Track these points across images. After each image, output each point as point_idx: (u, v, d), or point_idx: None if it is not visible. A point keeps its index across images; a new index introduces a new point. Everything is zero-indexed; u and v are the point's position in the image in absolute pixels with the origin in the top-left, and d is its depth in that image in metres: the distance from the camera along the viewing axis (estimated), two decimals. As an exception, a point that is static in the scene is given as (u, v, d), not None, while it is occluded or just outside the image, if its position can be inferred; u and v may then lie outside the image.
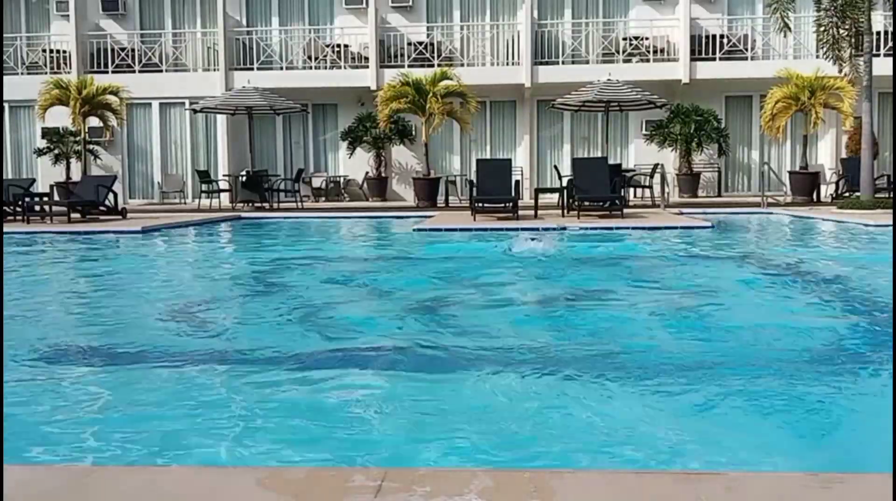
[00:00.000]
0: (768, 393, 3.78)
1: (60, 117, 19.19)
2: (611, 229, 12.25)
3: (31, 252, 10.87)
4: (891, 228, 10.47)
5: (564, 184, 14.98)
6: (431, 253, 10.26)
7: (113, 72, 20.50)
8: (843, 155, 19.04)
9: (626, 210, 14.13)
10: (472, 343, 4.89)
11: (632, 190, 18.62)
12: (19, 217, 14.50)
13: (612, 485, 2.42)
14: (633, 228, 12.24)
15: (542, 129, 20.79)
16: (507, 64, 20.57)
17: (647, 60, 19.91)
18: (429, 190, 18.12)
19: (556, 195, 15.93)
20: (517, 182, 16.05)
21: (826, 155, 20.04)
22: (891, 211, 12.48)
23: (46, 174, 19.99)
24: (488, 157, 19.87)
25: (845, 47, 15.58)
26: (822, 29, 15.68)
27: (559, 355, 4.61)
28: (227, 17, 20.55)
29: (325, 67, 20.57)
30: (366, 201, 20.27)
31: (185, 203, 19.97)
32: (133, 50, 21.02)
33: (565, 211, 14.34)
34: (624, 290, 7.18)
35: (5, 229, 12.45)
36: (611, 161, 17.17)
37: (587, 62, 20.08)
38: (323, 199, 20.54)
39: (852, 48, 15.56)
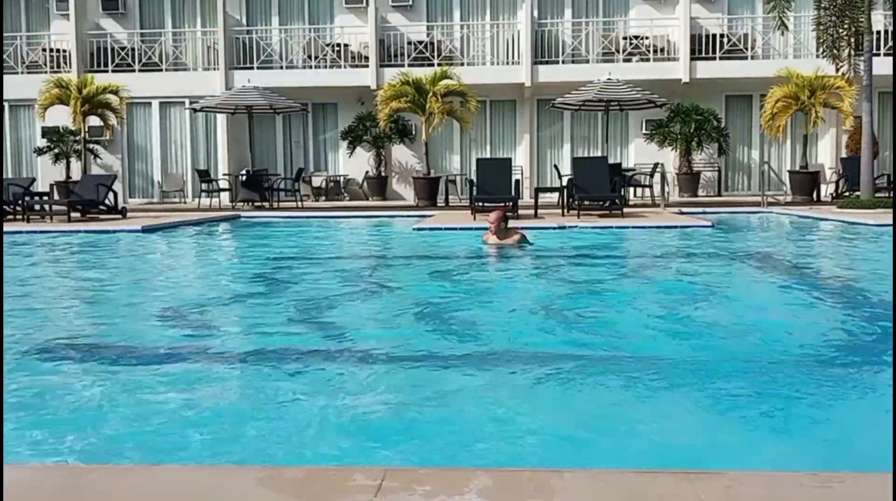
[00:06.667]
0: (762, 390, 3.79)
1: (60, 117, 19.18)
2: (611, 228, 12.24)
3: (31, 251, 10.86)
4: (891, 227, 10.46)
5: (564, 183, 14.98)
6: (431, 252, 10.26)
7: (113, 71, 20.49)
8: (843, 154, 19.03)
9: (626, 210, 14.13)
10: (478, 342, 4.89)
11: (632, 189, 18.61)
12: (19, 216, 14.49)
13: (613, 484, 2.42)
14: (633, 227, 12.24)
15: (542, 128, 20.78)
16: (507, 63, 20.57)
17: (647, 60, 19.90)
18: (429, 189, 18.12)
19: (556, 195, 15.93)
20: (517, 181, 16.05)
21: (826, 154, 20.03)
22: (891, 211, 12.48)
23: (46, 173, 19.99)
24: (488, 156, 19.85)
25: (844, 47, 15.58)
26: (821, 28, 15.68)
27: (560, 354, 4.62)
28: (227, 17, 20.54)
29: (325, 67, 20.56)
30: (366, 200, 20.27)
31: (185, 202, 19.97)
32: (133, 49, 21.01)
33: (565, 210, 14.34)
34: (623, 289, 7.18)
35: (5, 229, 12.45)
36: (611, 161, 17.17)
37: (587, 62, 20.07)
38: (323, 198, 20.53)
39: (851, 48, 15.55)
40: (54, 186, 18.56)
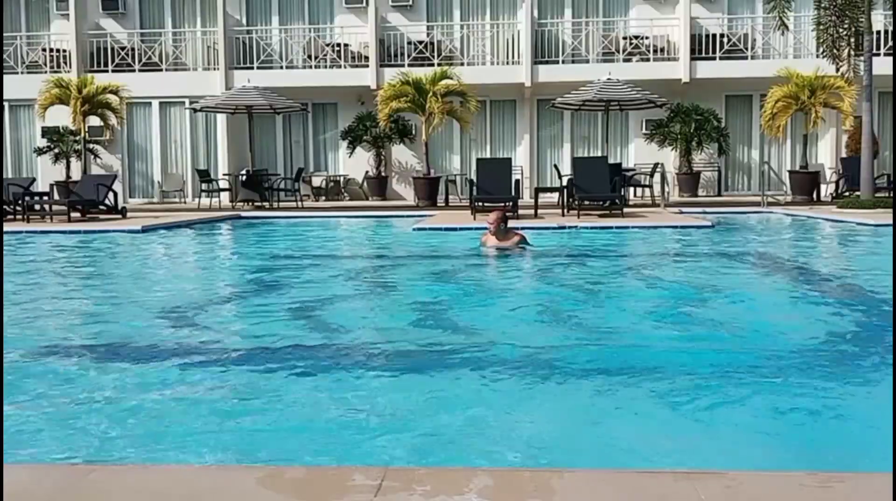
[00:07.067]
0: (763, 390, 3.80)
1: (60, 116, 19.18)
2: (611, 228, 12.24)
3: (31, 251, 10.85)
4: (891, 227, 10.47)
5: (564, 183, 14.98)
6: (431, 252, 10.26)
7: (113, 71, 20.48)
8: (843, 154, 19.03)
9: (626, 209, 14.13)
10: (478, 343, 4.89)
11: (632, 189, 18.62)
12: (19, 216, 14.49)
13: (613, 484, 2.42)
14: (633, 227, 12.25)
15: (542, 128, 20.78)
16: (507, 63, 20.56)
17: (648, 60, 19.89)
18: (429, 189, 18.11)
19: (557, 195, 15.93)
20: (517, 181, 16.05)
21: (826, 154, 20.03)
22: (891, 210, 12.48)
23: (46, 173, 19.97)
24: (488, 156, 19.85)
25: (844, 47, 15.59)
26: (821, 28, 15.68)
27: (561, 355, 4.62)
28: (227, 16, 20.53)
29: (326, 66, 20.56)
30: (366, 200, 20.27)
31: (185, 202, 19.97)
32: (133, 49, 21.00)
33: (565, 210, 14.34)
34: (623, 290, 7.18)
35: (5, 229, 12.45)
36: (611, 160, 17.17)
37: (587, 61, 20.07)
38: (323, 198, 20.54)
39: (851, 48, 15.56)
40: (54, 186, 18.54)
